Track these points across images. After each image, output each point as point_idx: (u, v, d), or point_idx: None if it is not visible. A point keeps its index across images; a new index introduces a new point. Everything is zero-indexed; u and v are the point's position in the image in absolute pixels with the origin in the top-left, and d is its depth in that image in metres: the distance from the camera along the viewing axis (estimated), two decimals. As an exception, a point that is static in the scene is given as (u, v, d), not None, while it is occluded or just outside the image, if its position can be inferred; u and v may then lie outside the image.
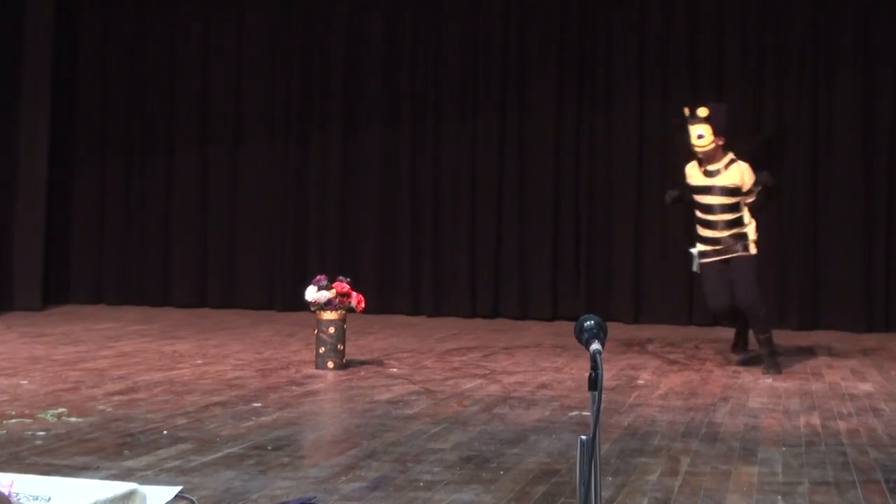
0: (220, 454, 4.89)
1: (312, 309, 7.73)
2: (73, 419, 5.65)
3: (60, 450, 4.93)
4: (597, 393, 2.63)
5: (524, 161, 11.80)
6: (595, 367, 2.65)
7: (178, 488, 4.14)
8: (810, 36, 11.14)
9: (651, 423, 5.84)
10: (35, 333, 9.62)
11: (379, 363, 8.09)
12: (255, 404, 6.23)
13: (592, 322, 2.75)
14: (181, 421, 5.67)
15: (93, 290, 12.70)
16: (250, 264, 12.37)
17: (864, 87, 10.99)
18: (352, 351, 8.25)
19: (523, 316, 11.58)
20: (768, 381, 7.51)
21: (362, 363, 8.03)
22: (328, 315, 7.66)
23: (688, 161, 8.01)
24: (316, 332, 7.73)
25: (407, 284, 11.95)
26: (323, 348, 7.67)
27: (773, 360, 7.93)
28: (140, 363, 7.83)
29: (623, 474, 4.65)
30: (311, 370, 7.64)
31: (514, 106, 11.83)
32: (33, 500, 3.40)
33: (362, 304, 7.81)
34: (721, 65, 11.36)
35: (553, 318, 11.45)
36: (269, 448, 5.05)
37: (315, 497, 4.13)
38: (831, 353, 9.21)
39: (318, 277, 7.80)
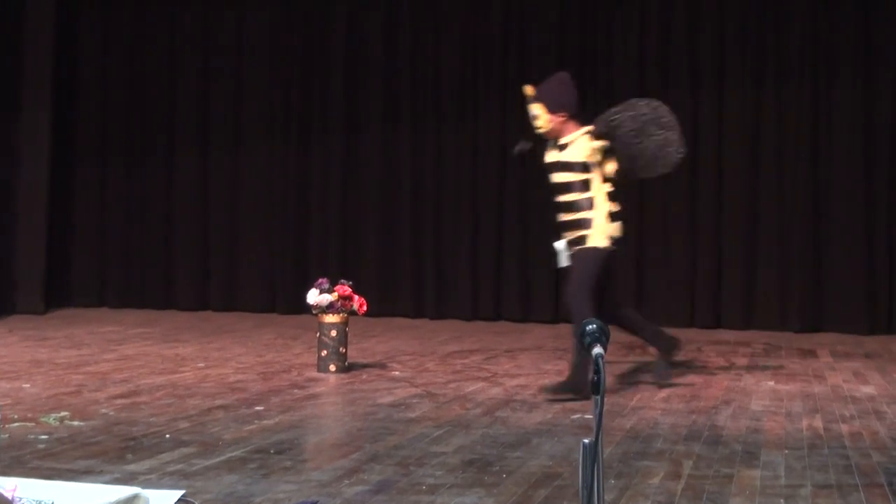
0: (222, 458, 4.89)
1: (314, 312, 7.74)
2: (75, 423, 5.65)
3: (63, 454, 4.93)
4: (599, 397, 2.64)
5: (525, 162, 11.78)
6: (597, 371, 2.65)
7: (180, 492, 4.13)
8: (810, 36, 11.13)
9: (653, 427, 5.84)
10: (37, 337, 9.63)
11: (381, 366, 8.09)
12: (258, 408, 6.23)
13: (594, 326, 2.75)
14: (183, 424, 5.68)
15: (95, 294, 12.70)
16: (252, 267, 12.37)
17: (865, 88, 10.98)
18: (354, 354, 8.25)
19: (525, 318, 11.58)
20: (770, 383, 7.51)
21: (364, 366, 8.03)
22: (330, 318, 7.66)
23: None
24: (318, 335, 7.74)
25: (408, 287, 11.94)
26: (325, 351, 7.67)
27: (570, 380, 6.75)
28: (142, 367, 7.84)
29: (625, 477, 4.65)
30: (314, 373, 7.64)
31: (514, 106, 11.79)
32: (37, 504, 3.40)
33: (364, 307, 7.81)
34: (722, 65, 11.36)
35: (555, 320, 11.44)
36: (272, 452, 5.06)
37: (318, 500, 4.13)
38: (833, 355, 9.20)
39: (320, 280, 7.80)
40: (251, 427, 5.65)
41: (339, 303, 7.68)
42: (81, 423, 5.64)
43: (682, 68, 11.43)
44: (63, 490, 3.52)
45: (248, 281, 12.35)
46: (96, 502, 3.36)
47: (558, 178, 7.06)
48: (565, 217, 7.04)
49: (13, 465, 4.59)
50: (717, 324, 11.17)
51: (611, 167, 6.99)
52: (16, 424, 5.55)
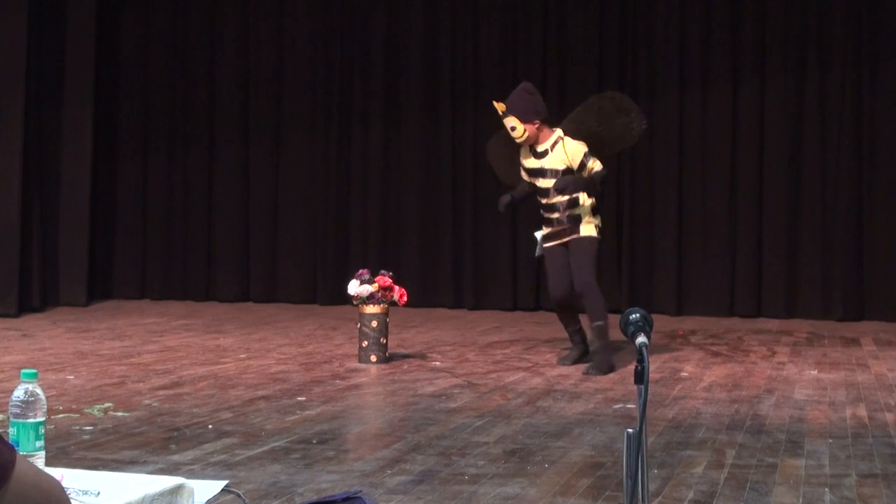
0: (265, 448, 4.92)
1: (355, 303, 7.76)
2: (119, 414, 5.70)
3: (107, 444, 4.97)
4: (643, 386, 2.62)
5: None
6: (641, 360, 2.64)
7: (224, 482, 4.16)
8: (854, 23, 11.03)
9: (695, 416, 5.82)
10: (81, 329, 9.71)
11: (422, 356, 8.10)
12: (300, 398, 6.26)
13: (638, 315, 2.74)
14: (226, 415, 5.71)
15: (137, 285, 12.78)
16: (293, 258, 12.41)
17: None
18: (394, 344, 8.26)
19: (565, 308, 11.52)
20: (813, 372, 7.46)
21: (405, 357, 8.04)
22: (371, 309, 7.68)
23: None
24: (359, 325, 7.76)
25: (448, 277, 11.95)
26: (366, 342, 7.69)
27: (602, 356, 7.37)
28: (184, 358, 7.89)
29: (668, 467, 4.63)
30: (355, 364, 7.66)
31: (554, 98, 11.78)
32: (82, 494, 3.42)
33: (404, 298, 7.82)
34: (763, 54, 11.28)
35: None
36: (314, 442, 5.08)
37: (360, 490, 4.14)
38: (877, 343, 9.13)
39: (361, 271, 7.82)
40: (293, 417, 5.68)
41: (380, 293, 7.69)
42: (125, 414, 5.69)
43: (723, 57, 11.35)
44: (108, 480, 3.54)
45: (289, 272, 12.40)
46: (141, 492, 3.39)
47: (541, 182, 7.59)
48: (549, 216, 7.63)
49: (59, 455, 4.63)
50: (758, 313, 11.11)
51: (597, 165, 7.56)
52: (61, 416, 5.60)
